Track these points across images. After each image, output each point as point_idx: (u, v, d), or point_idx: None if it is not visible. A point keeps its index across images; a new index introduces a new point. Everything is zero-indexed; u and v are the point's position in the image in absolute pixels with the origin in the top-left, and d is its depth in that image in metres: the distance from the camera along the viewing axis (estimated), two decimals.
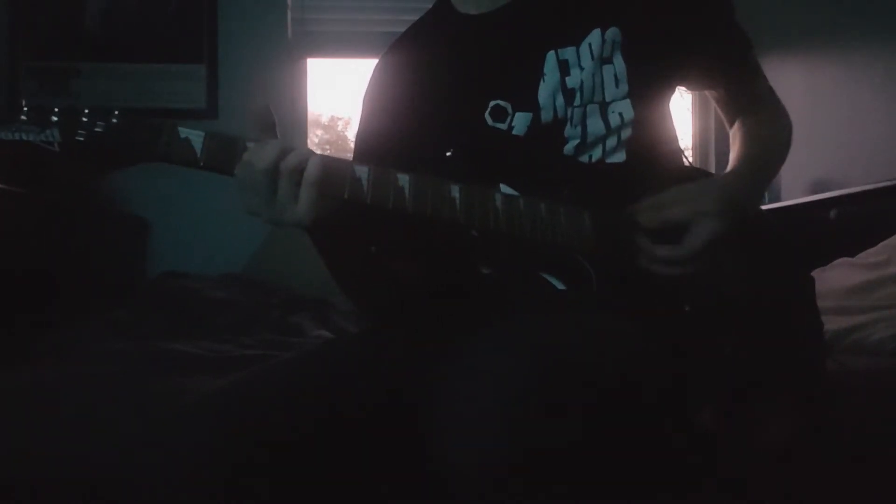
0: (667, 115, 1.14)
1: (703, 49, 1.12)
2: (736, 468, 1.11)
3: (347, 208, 0.91)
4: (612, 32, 1.06)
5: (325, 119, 4.43)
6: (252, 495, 0.87)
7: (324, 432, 0.92)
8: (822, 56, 2.75)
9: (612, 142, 1.06)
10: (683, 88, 1.22)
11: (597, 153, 1.06)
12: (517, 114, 1.06)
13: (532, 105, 1.06)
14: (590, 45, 1.06)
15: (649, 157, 1.08)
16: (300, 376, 0.99)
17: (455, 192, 0.93)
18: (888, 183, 2.14)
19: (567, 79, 1.06)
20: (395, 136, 1.11)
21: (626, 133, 1.07)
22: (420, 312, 1.10)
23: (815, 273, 1.94)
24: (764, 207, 1.58)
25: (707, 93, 1.24)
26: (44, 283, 1.98)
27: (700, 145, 3.28)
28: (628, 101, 1.06)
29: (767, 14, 2.83)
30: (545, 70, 1.06)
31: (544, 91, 1.06)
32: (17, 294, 1.85)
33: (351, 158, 1.12)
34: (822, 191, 2.48)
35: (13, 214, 2.01)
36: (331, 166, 0.88)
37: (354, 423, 0.94)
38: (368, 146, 1.16)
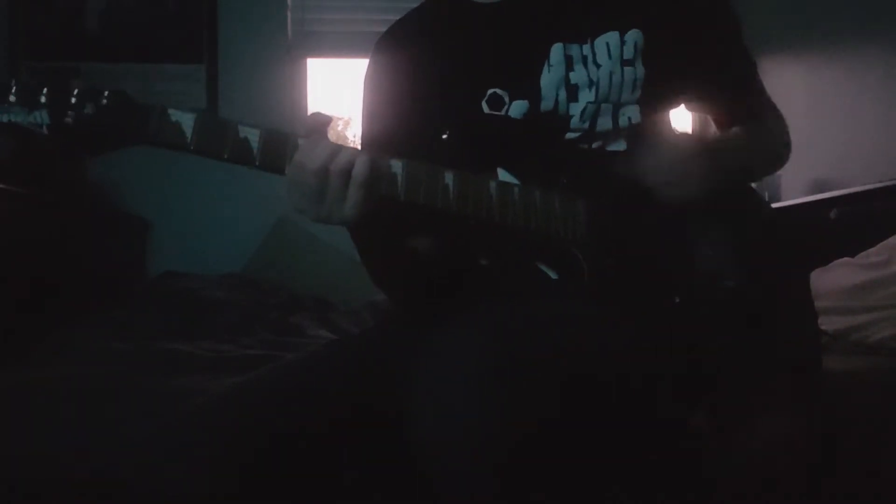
0: (668, 121, 1.16)
1: (716, 65, 1.12)
2: (732, 468, 1.11)
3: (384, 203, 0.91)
4: (634, 34, 1.06)
5: None
6: (262, 494, 0.87)
7: (334, 431, 0.93)
8: (822, 56, 2.75)
9: (614, 135, 1.07)
10: (685, 105, 1.22)
11: (597, 144, 1.07)
12: (514, 102, 1.06)
13: (531, 93, 1.06)
14: (607, 44, 1.06)
15: (649, 146, 1.08)
16: (308, 377, 1.00)
17: (448, 179, 0.92)
18: (888, 183, 2.14)
19: (571, 74, 1.06)
20: (398, 120, 1.11)
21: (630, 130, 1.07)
22: (422, 306, 1.10)
23: (815, 273, 1.94)
24: None
25: (707, 114, 1.23)
26: (43, 283, 1.98)
27: None
28: (637, 106, 1.07)
29: (767, 14, 2.83)
30: (552, 61, 1.06)
31: (547, 81, 1.06)
32: (16, 294, 1.85)
33: None
34: (822, 191, 2.48)
35: (13, 214, 2.01)
36: (374, 164, 0.87)
37: (362, 421, 0.95)
38: (375, 127, 1.15)
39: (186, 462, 0.86)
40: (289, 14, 2.98)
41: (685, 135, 1.05)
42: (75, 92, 0.84)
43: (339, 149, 0.86)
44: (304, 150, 0.86)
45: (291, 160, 0.86)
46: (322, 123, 0.90)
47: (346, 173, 0.85)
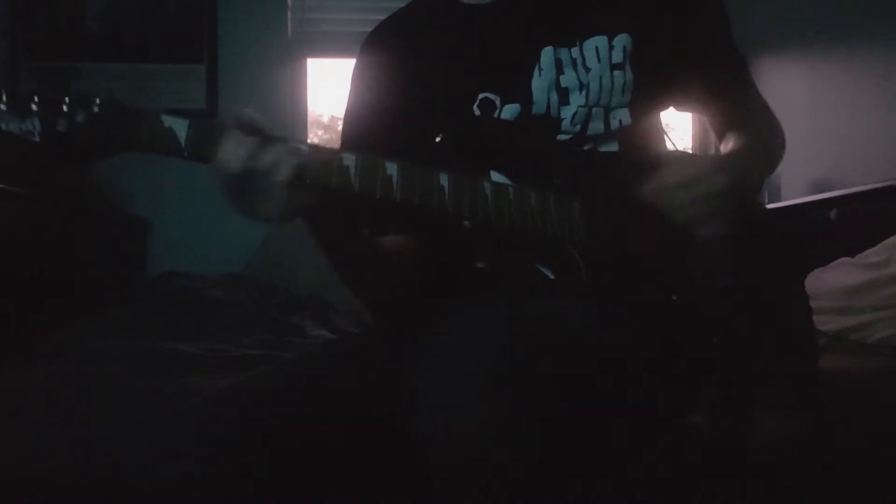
0: (658, 122, 1.16)
1: (705, 66, 1.13)
2: (731, 466, 1.11)
3: (338, 196, 0.90)
4: (623, 39, 1.06)
5: (325, 119, 4.43)
6: (252, 497, 0.87)
7: (326, 435, 0.93)
8: (822, 56, 2.75)
9: (605, 137, 1.08)
10: (674, 107, 1.22)
11: (589, 145, 1.08)
12: (505, 106, 1.07)
13: (522, 97, 1.06)
14: (596, 48, 1.06)
15: (641, 147, 1.09)
16: (303, 379, 1.00)
17: (444, 180, 0.92)
18: (888, 183, 2.14)
19: (561, 77, 1.06)
20: (384, 119, 1.10)
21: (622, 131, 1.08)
22: (417, 308, 1.10)
23: (815, 273, 1.94)
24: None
25: (700, 115, 1.23)
26: (44, 283, 1.98)
27: (700, 147, 3.27)
28: (627, 109, 1.07)
29: (768, 14, 2.83)
30: (542, 65, 1.07)
31: (538, 84, 1.06)
32: (17, 294, 1.85)
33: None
34: (822, 191, 2.48)
35: (13, 214, 2.01)
36: (313, 161, 0.86)
37: (356, 425, 0.95)
38: (357, 127, 1.15)
39: (183, 462, 0.85)
40: (289, 14, 2.98)
41: (708, 160, 1.05)
42: (67, 100, 0.83)
43: (267, 144, 0.84)
44: (227, 147, 0.84)
45: (215, 156, 0.84)
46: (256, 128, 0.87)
47: (271, 172, 0.83)
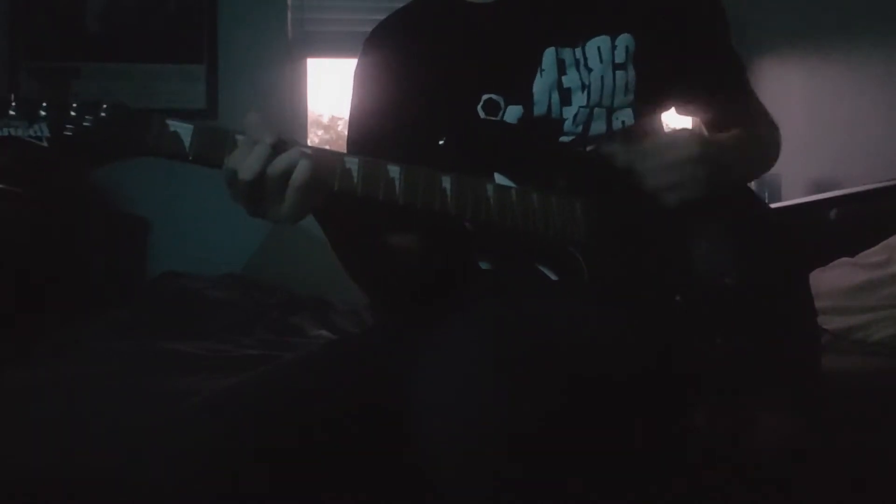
0: (661, 124, 1.16)
1: (703, 68, 1.13)
2: (731, 467, 1.11)
3: (342, 198, 0.90)
4: (625, 39, 1.06)
5: (325, 119, 4.44)
6: (252, 497, 0.87)
7: (326, 435, 0.93)
8: (822, 56, 2.75)
9: (607, 138, 1.07)
10: (676, 109, 1.21)
11: (591, 147, 1.07)
12: (509, 107, 1.07)
13: (524, 98, 1.06)
14: (598, 48, 1.06)
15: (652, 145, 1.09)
16: (303, 379, 1.00)
17: (446, 182, 0.93)
18: (888, 183, 2.14)
19: (563, 78, 1.06)
20: (388, 120, 1.10)
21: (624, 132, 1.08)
22: (420, 308, 1.10)
23: (815, 273, 1.94)
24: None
25: (698, 118, 1.23)
26: (44, 283, 1.98)
27: None
28: (630, 109, 1.07)
29: (768, 14, 2.84)
30: (543, 66, 1.07)
31: (540, 85, 1.06)
32: (17, 294, 1.85)
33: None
34: (822, 191, 2.48)
35: (13, 214, 2.01)
36: (320, 164, 0.86)
37: (356, 425, 0.95)
38: (361, 130, 1.15)
39: (182, 462, 0.86)
40: (289, 14, 2.98)
41: (685, 132, 1.05)
42: (74, 105, 0.84)
43: (279, 148, 0.84)
44: (239, 154, 0.84)
45: (224, 161, 0.85)
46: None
47: (285, 176, 0.84)
